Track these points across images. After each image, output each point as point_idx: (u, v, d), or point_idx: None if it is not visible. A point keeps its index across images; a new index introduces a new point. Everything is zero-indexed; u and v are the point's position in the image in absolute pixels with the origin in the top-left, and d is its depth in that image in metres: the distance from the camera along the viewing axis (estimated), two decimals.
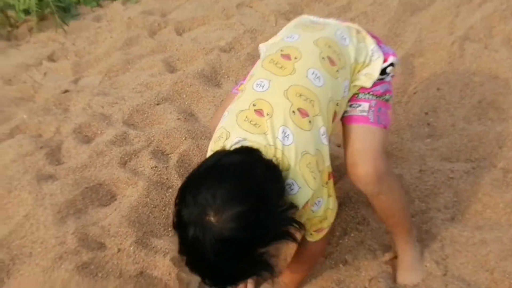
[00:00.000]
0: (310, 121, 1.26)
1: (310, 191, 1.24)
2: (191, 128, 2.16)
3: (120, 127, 2.19)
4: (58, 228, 1.68)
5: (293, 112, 1.25)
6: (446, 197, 1.85)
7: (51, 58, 2.92)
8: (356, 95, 1.45)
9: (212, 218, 1.05)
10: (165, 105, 2.33)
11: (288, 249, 1.72)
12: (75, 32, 3.24)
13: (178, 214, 1.11)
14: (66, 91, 2.51)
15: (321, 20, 1.54)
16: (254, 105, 1.26)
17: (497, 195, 1.77)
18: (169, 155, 2.08)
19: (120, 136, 2.13)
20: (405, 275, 1.61)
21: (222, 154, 1.19)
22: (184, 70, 2.59)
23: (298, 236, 1.31)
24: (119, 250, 1.63)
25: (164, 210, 1.83)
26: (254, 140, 1.22)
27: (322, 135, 1.28)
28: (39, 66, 2.82)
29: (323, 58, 1.33)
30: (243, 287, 1.66)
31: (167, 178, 1.94)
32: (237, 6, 3.14)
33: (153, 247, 1.67)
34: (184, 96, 2.41)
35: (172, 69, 2.65)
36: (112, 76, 2.67)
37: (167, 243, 1.69)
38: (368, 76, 1.43)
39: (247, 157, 1.17)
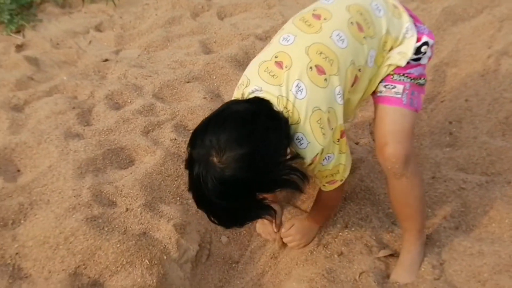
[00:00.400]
0: (326, 79, 1.31)
1: (319, 146, 1.32)
2: (215, 108, 2.22)
3: (149, 99, 2.29)
4: (76, 182, 1.80)
5: (310, 68, 1.30)
6: (454, 206, 1.83)
7: (98, 28, 3.07)
8: (391, 76, 1.46)
9: (214, 159, 1.16)
10: (195, 84, 2.42)
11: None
12: (124, 6, 3.39)
13: (188, 154, 1.23)
14: (106, 60, 2.65)
15: None
16: (276, 57, 1.34)
17: (505, 210, 1.74)
18: (190, 131, 2.17)
19: (147, 107, 2.24)
20: (401, 274, 1.62)
21: (233, 102, 1.32)
22: (219, 53, 2.67)
23: (305, 186, 1.39)
24: (127, 209, 1.74)
25: (176, 180, 1.92)
26: (268, 91, 1.30)
27: (337, 94, 1.33)
28: (86, 34, 2.99)
29: (351, 22, 1.36)
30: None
31: (183, 152, 2.03)
32: None
33: (159, 212, 1.76)
34: (214, 77, 2.49)
35: (207, 51, 2.74)
36: (150, 51, 2.79)
37: (173, 210, 1.77)
38: (401, 55, 1.43)
39: (254, 106, 1.26)
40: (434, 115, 2.30)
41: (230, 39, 2.77)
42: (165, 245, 1.66)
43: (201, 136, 1.22)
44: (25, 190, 1.79)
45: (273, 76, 1.31)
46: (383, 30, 1.42)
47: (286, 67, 1.31)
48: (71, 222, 1.63)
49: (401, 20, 1.45)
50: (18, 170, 1.93)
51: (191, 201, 1.78)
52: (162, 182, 1.88)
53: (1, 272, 1.53)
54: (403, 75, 1.46)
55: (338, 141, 1.39)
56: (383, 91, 1.48)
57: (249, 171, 1.18)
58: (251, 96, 1.32)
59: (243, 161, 1.17)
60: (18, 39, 2.88)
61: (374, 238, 1.76)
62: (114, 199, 1.78)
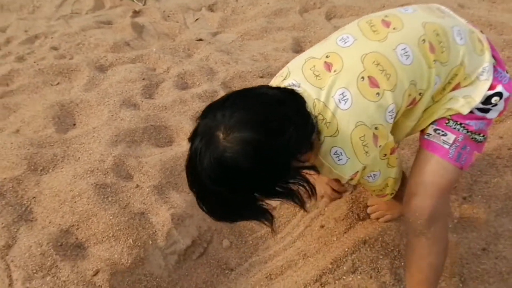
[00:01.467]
0: (378, 93, 1.16)
1: (360, 165, 1.20)
2: None
3: (216, 86, 2.29)
4: (107, 148, 1.90)
5: (362, 78, 1.15)
6: None
7: (210, 8, 3.16)
8: (447, 121, 1.27)
9: (220, 134, 1.00)
10: (267, 80, 2.34)
11: None
12: None
13: (196, 125, 1.09)
14: (200, 39, 2.72)
15: (450, 13, 1.34)
16: (327, 56, 1.21)
17: None
18: None
19: (209, 93, 2.24)
20: None
21: (264, 86, 1.17)
22: None
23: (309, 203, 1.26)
24: (137, 186, 1.77)
25: None
26: (306, 89, 1.17)
27: (389, 112, 1.18)
28: (197, 11, 3.10)
29: (423, 40, 1.19)
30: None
31: None
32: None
33: (166, 197, 1.77)
34: None
35: (297, 49, 2.62)
36: (245, 39, 2.78)
37: (180, 200, 1.76)
38: (467, 100, 1.24)
39: (285, 96, 1.11)
40: None
41: None
42: (155, 231, 1.66)
43: (215, 108, 1.06)
44: (65, 144, 1.95)
45: (317, 76, 1.19)
46: (459, 60, 1.22)
47: (335, 71, 1.17)
48: (82, 183, 1.73)
49: (482, 57, 1.24)
50: (74, 124, 2.11)
51: None
52: (183, 171, 1.88)
53: (14, 210, 1.70)
54: (460, 124, 1.26)
55: (385, 156, 1.27)
56: (432, 135, 1.29)
57: (253, 160, 1.01)
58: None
59: (250, 146, 1.00)
60: (138, 5, 3.12)
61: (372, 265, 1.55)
62: (132, 173, 1.84)
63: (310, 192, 1.13)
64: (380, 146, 1.21)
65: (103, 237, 1.62)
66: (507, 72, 1.29)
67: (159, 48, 2.62)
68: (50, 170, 1.85)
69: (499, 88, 1.23)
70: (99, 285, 1.49)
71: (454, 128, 1.26)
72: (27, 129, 2.05)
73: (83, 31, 2.79)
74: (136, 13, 3.05)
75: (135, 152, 1.92)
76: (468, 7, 2.76)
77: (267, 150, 1.02)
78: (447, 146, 1.26)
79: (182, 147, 1.98)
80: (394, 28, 1.21)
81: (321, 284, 1.60)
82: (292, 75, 1.22)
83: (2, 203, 1.70)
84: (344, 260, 1.66)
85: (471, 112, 1.25)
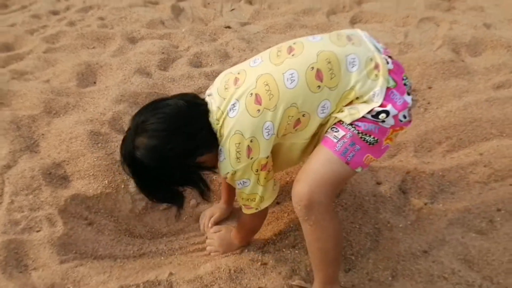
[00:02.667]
0: (259, 110, 1.33)
1: (230, 167, 1.39)
2: None
3: (225, 68, 2.50)
4: (111, 104, 2.19)
5: (251, 94, 1.34)
6: None
7: (249, 1, 3.38)
8: (341, 122, 1.38)
9: (134, 135, 1.36)
10: None
11: None
12: None
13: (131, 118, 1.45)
14: (228, 27, 2.95)
15: (361, 39, 1.43)
16: (238, 73, 1.43)
17: None
18: None
19: (216, 73, 2.46)
20: None
21: (178, 96, 1.48)
22: None
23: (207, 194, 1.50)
24: None
25: None
26: (215, 99, 1.41)
27: (265, 129, 1.34)
28: (236, 2, 3.33)
29: (312, 68, 1.32)
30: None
31: None
32: None
33: None
34: None
35: None
36: (269, 32, 2.97)
37: None
38: (351, 112, 1.36)
39: (191, 108, 1.41)
40: (485, 193, 1.91)
41: None
42: (129, 178, 1.91)
43: (140, 111, 1.42)
44: (79, 96, 2.26)
45: (226, 89, 1.40)
46: (349, 85, 1.34)
47: (237, 85, 1.38)
48: (80, 129, 2.03)
49: (376, 82, 1.34)
50: (94, 82, 2.42)
51: None
52: None
53: (24, 140, 2.03)
54: (351, 124, 1.36)
55: (256, 171, 1.40)
56: (328, 131, 1.40)
57: (154, 161, 1.34)
58: (206, 98, 1.47)
59: (151, 151, 1.33)
60: None
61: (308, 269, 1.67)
62: (125, 128, 2.10)
63: (202, 189, 1.46)
64: (251, 158, 1.36)
65: (85, 175, 1.90)
66: (408, 94, 1.38)
67: (188, 30, 2.89)
68: (61, 115, 2.17)
69: (388, 107, 1.32)
70: (69, 209, 1.77)
71: (345, 127, 1.36)
72: (55, 80, 2.40)
73: (130, 7, 3.13)
74: None
75: (133, 112, 2.19)
76: (494, 27, 2.75)
77: (165, 155, 1.33)
78: (335, 140, 1.35)
79: None
80: (293, 55, 1.35)
81: (262, 252, 1.76)
82: (213, 86, 1.47)
83: (16, 133, 2.04)
84: (287, 235, 1.80)
85: (363, 117, 1.34)
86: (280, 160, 1.50)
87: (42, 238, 1.65)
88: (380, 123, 1.36)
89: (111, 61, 2.49)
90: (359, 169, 1.40)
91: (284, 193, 1.95)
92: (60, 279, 1.56)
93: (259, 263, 1.69)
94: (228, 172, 1.41)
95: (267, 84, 1.33)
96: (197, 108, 1.42)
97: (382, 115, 1.33)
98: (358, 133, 1.35)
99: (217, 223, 1.88)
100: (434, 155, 2.14)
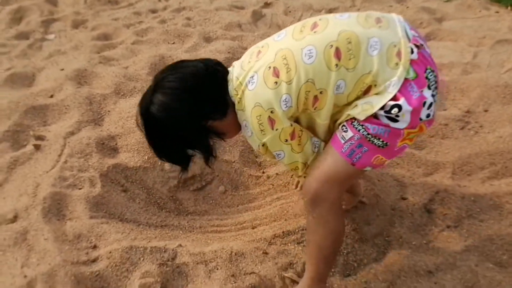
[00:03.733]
0: (276, 82, 1.35)
1: (257, 140, 1.43)
2: None
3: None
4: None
5: (269, 67, 1.36)
6: None
7: (330, 10, 3.48)
8: (353, 121, 1.38)
9: (152, 91, 1.41)
10: None
11: None
12: None
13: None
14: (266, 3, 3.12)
15: (391, 23, 1.38)
16: (262, 46, 1.46)
17: None
18: None
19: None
20: None
21: (203, 60, 1.50)
22: None
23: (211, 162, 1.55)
24: None
25: None
26: (236, 69, 1.46)
27: (283, 101, 1.36)
28: (317, 12, 3.43)
29: (331, 45, 1.32)
30: None
31: None
32: None
33: None
34: None
35: None
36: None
37: None
38: (364, 107, 1.34)
39: (211, 72, 1.45)
40: None
41: None
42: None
43: (163, 70, 1.46)
44: (145, 82, 2.56)
45: (249, 62, 1.43)
46: (367, 69, 1.32)
47: (258, 58, 1.40)
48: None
49: (395, 71, 1.30)
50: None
51: None
52: None
53: (92, 114, 2.37)
54: (361, 125, 1.36)
55: (286, 141, 1.43)
56: (338, 130, 1.43)
57: (165, 117, 1.40)
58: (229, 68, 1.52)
59: (163, 107, 1.39)
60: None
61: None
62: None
63: (207, 154, 1.49)
64: (276, 129, 1.39)
65: (131, 149, 2.16)
66: (429, 89, 1.31)
67: (261, 34, 3.07)
68: (126, 97, 2.48)
69: (401, 101, 1.28)
70: (110, 175, 2.04)
71: (355, 127, 1.36)
72: (132, 67, 2.74)
73: (216, 10, 3.41)
74: (267, 4, 3.55)
75: None
76: None
77: (175, 112, 1.38)
78: (342, 141, 1.38)
79: None
80: (315, 32, 1.35)
81: (268, 243, 1.85)
82: (241, 58, 1.50)
83: (87, 108, 2.39)
84: (295, 232, 1.87)
85: (376, 117, 1.33)
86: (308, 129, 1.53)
87: (81, 195, 1.93)
88: (392, 125, 1.33)
89: (182, 55, 2.76)
90: (368, 169, 1.43)
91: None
92: (86, 231, 1.81)
93: (261, 252, 1.79)
94: (259, 146, 1.44)
95: (285, 58, 1.35)
96: (215, 74, 1.46)
97: (394, 110, 1.30)
98: (367, 135, 1.35)
99: None
100: (473, 180, 2.03)
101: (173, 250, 1.77)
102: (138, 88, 2.51)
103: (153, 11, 3.63)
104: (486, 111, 2.23)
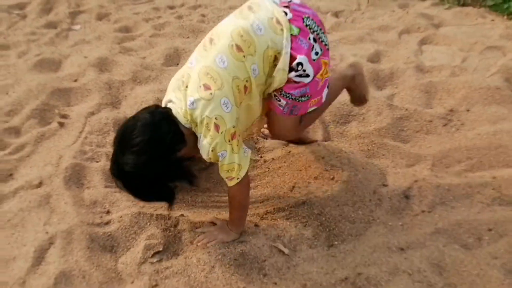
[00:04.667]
0: (211, 93, 1.59)
1: (207, 145, 1.65)
2: None
3: None
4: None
5: (200, 86, 1.61)
6: None
7: (336, 14, 3.68)
8: (281, 90, 1.77)
9: (117, 156, 1.63)
10: None
11: None
12: None
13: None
14: None
15: (260, 5, 1.73)
16: (183, 76, 1.70)
17: None
18: None
19: None
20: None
21: (142, 111, 1.70)
22: None
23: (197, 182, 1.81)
24: None
25: None
26: (175, 103, 1.68)
27: (223, 104, 1.60)
28: (324, 14, 3.64)
29: (231, 45, 1.63)
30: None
31: None
32: None
33: None
34: None
35: (373, 60, 2.97)
36: (341, 42, 3.24)
37: None
38: (281, 74, 1.69)
39: (155, 116, 1.63)
40: (483, 213, 1.98)
41: None
42: None
43: (117, 134, 1.69)
44: (160, 71, 2.82)
45: (179, 91, 1.69)
46: (264, 46, 1.65)
47: (186, 86, 1.66)
48: (150, 96, 2.56)
49: (281, 36, 1.65)
50: (177, 64, 2.97)
51: None
52: None
53: (111, 98, 2.63)
54: (287, 93, 1.77)
55: (229, 141, 1.65)
56: (273, 99, 1.83)
57: (141, 170, 1.58)
58: (168, 104, 1.73)
59: (136, 163, 1.57)
60: None
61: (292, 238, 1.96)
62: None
63: (189, 179, 1.71)
64: (221, 132, 1.61)
65: None
66: (312, 33, 1.68)
67: None
68: (142, 84, 2.74)
69: (299, 59, 1.65)
70: None
71: (284, 96, 1.78)
72: (149, 58, 3.01)
73: (230, 8, 3.65)
74: None
75: None
76: None
77: (148, 162, 1.57)
78: (281, 108, 1.83)
79: None
80: (213, 44, 1.67)
81: (260, 218, 2.07)
82: (167, 94, 1.79)
83: (107, 92, 2.66)
84: (284, 209, 2.07)
85: (294, 81, 1.72)
86: (245, 119, 1.80)
87: (98, 167, 2.19)
88: (306, 81, 1.72)
89: (194, 49, 3.01)
90: (311, 109, 1.89)
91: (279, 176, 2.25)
92: (101, 198, 2.07)
93: (253, 224, 2.02)
94: (209, 151, 1.65)
95: (207, 73, 1.61)
96: (160, 114, 1.65)
97: (299, 67, 1.67)
98: (295, 98, 1.78)
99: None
100: (450, 172, 2.23)
101: (176, 218, 2.01)
102: (153, 77, 2.77)
103: (171, 7, 3.89)
104: (468, 110, 2.43)
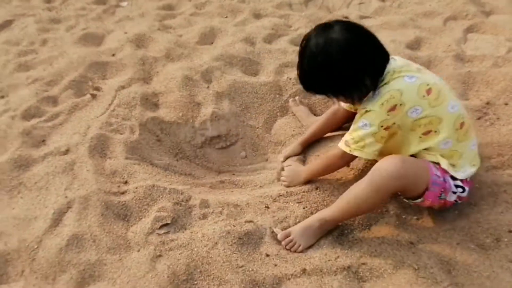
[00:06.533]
0: (424, 96, 1.65)
1: (371, 105, 1.66)
2: None
3: None
4: (208, 60, 2.72)
5: (427, 84, 1.65)
6: None
7: None
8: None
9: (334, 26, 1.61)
10: None
11: None
12: None
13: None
14: (346, 17, 3.19)
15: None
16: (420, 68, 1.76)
17: None
18: None
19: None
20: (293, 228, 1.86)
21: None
22: None
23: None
24: (208, 87, 2.55)
25: None
26: (397, 62, 1.71)
27: (415, 108, 1.65)
28: None
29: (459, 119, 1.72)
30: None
31: None
32: None
33: (220, 102, 2.49)
34: None
35: (413, 47, 2.84)
36: (382, 27, 3.12)
37: (226, 107, 2.46)
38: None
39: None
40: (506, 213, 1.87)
41: None
42: (198, 116, 2.43)
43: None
44: (193, 50, 2.86)
45: (408, 64, 1.74)
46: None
47: (418, 68, 1.74)
48: (180, 73, 2.62)
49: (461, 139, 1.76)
50: (211, 43, 3.00)
51: None
52: None
53: (143, 73, 2.71)
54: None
55: (381, 126, 1.67)
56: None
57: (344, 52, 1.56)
58: None
59: (343, 45, 1.56)
60: None
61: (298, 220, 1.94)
62: (212, 80, 2.61)
63: (354, 99, 1.71)
64: (388, 115, 1.64)
65: (169, 106, 2.48)
66: None
67: (308, 14, 3.24)
68: (174, 61, 2.81)
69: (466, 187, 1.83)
70: (148, 126, 2.37)
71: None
72: (185, 36, 3.08)
73: None
74: None
75: (225, 69, 2.68)
76: None
77: (356, 52, 1.56)
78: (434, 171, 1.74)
79: (259, 78, 2.64)
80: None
81: (273, 200, 2.06)
82: (398, 61, 1.73)
83: (140, 67, 2.76)
84: (297, 193, 2.06)
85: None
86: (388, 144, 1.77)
87: (121, 139, 2.28)
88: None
89: (231, 28, 3.03)
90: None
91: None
92: (121, 169, 2.15)
93: (264, 206, 2.03)
94: (365, 108, 1.67)
95: (439, 90, 1.66)
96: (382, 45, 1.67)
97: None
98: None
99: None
100: (478, 168, 2.11)
101: (187, 193, 2.06)
102: (185, 54, 2.82)
103: None
104: (506, 104, 2.27)
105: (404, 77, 1.64)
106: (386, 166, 1.64)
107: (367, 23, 3.19)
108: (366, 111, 1.68)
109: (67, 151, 2.26)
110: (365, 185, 1.68)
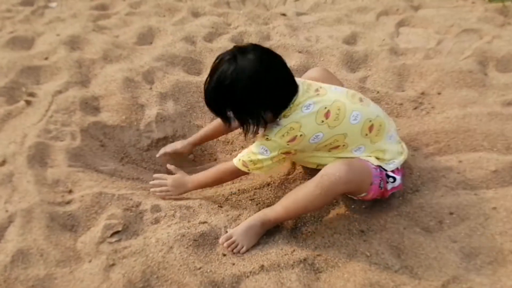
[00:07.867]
0: (323, 121, 1.70)
1: (272, 135, 1.70)
2: None
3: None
4: (155, 61, 2.66)
5: (325, 107, 1.70)
6: None
7: None
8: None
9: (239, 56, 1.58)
10: (303, 55, 2.78)
11: None
12: None
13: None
14: (283, 14, 3.26)
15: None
16: (320, 87, 1.78)
17: None
18: None
19: None
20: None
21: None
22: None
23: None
24: (150, 89, 2.49)
25: None
26: (301, 90, 1.72)
27: (315, 136, 1.71)
28: None
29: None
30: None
31: None
32: None
33: (165, 103, 2.44)
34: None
35: (349, 42, 2.94)
36: (319, 24, 3.20)
37: (171, 108, 2.42)
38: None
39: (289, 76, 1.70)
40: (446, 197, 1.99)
41: None
42: (142, 119, 2.37)
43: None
44: (132, 50, 2.79)
45: (307, 91, 1.74)
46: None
47: (318, 93, 1.74)
48: (120, 75, 2.53)
49: (365, 140, 1.82)
50: (150, 43, 2.93)
51: None
52: None
53: (80, 76, 2.59)
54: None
55: (280, 153, 1.75)
56: None
57: (249, 83, 1.57)
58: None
59: (252, 72, 1.56)
60: None
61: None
62: (155, 81, 2.56)
63: (248, 130, 1.69)
64: (288, 145, 1.71)
65: (111, 109, 2.40)
66: None
67: (246, 12, 3.26)
68: (113, 62, 2.71)
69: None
70: (89, 131, 2.28)
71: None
72: (122, 36, 2.99)
73: None
74: None
75: (167, 69, 2.64)
76: None
77: (261, 81, 1.57)
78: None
79: (202, 77, 2.61)
80: (366, 104, 1.83)
81: (226, 199, 2.07)
82: (300, 85, 1.73)
83: (77, 70, 2.63)
84: (249, 190, 2.08)
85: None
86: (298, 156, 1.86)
87: (62, 146, 2.17)
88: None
89: (170, 28, 2.98)
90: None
91: None
92: (64, 177, 2.05)
93: (217, 205, 2.02)
94: (267, 136, 1.72)
95: (339, 107, 1.70)
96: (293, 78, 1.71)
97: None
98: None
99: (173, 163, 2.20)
100: (417, 155, 2.23)
101: (138, 198, 2.00)
102: (124, 55, 2.74)
103: None
104: (439, 93, 2.41)
105: (302, 108, 1.68)
106: (334, 171, 1.69)
107: (303, 20, 3.26)
108: (267, 139, 1.72)
109: (3, 162, 2.12)
110: (314, 188, 1.72)
